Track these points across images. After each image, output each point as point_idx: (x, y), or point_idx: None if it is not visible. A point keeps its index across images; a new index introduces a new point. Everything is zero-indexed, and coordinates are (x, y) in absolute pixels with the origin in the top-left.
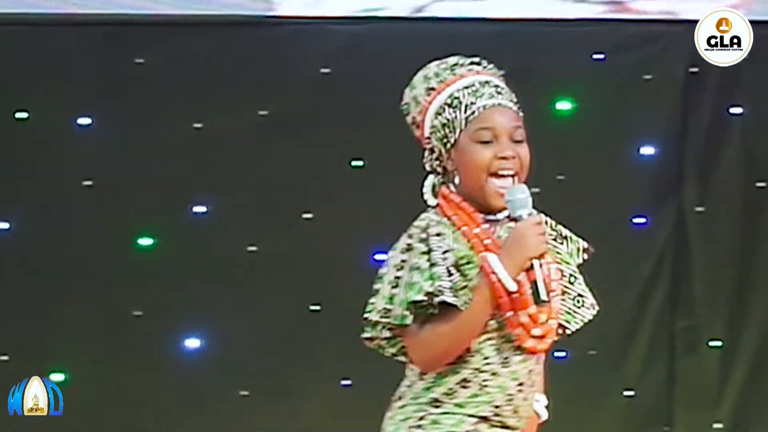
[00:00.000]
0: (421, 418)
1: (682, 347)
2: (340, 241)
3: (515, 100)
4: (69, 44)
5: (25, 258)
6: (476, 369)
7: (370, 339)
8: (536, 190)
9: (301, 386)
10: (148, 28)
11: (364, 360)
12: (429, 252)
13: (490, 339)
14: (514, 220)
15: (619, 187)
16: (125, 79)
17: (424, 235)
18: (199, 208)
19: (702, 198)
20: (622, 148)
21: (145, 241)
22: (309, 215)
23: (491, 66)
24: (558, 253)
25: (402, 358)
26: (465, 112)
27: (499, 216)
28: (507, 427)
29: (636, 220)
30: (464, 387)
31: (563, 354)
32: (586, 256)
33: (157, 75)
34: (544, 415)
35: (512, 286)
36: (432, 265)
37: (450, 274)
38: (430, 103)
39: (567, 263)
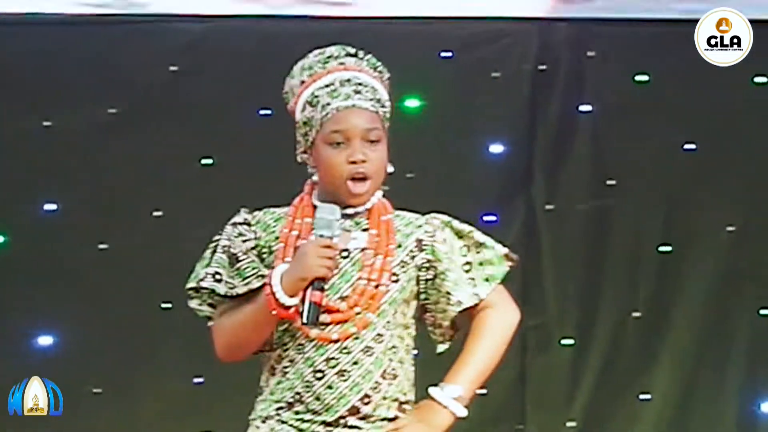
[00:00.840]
0: (252, 407)
1: (533, 345)
2: (190, 238)
3: (380, 97)
4: None
5: None
6: (279, 356)
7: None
8: (386, 188)
9: (154, 384)
10: None
11: (216, 357)
12: (217, 243)
13: (287, 327)
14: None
15: (469, 184)
16: None
17: (225, 228)
18: (50, 206)
19: (551, 196)
20: (470, 146)
21: None
22: (159, 213)
23: (368, 58)
24: (435, 251)
25: None
26: (321, 112)
27: (354, 210)
28: (315, 413)
29: (486, 218)
30: (272, 375)
31: (416, 352)
32: (510, 263)
33: (5, 72)
34: (458, 411)
35: (287, 301)
36: (212, 254)
37: (236, 262)
38: (299, 96)
39: (441, 261)
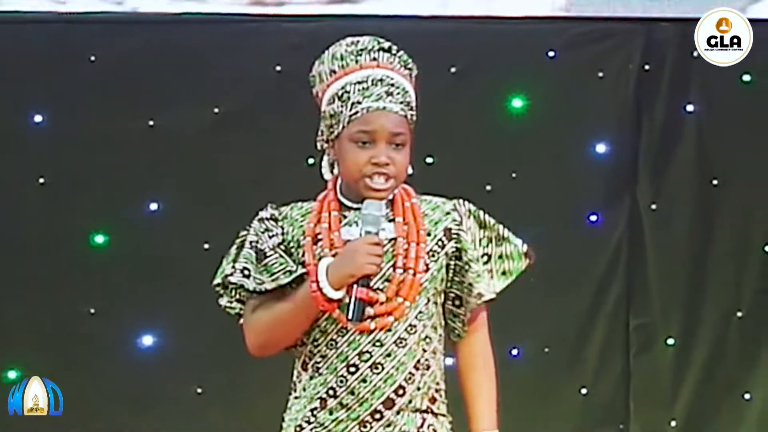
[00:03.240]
0: (288, 402)
1: (636, 345)
2: None
3: (410, 100)
4: (22, 42)
5: None
6: (309, 352)
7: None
8: (489, 188)
9: (256, 383)
10: (101, 25)
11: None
12: (244, 238)
13: (317, 322)
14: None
15: (574, 184)
16: (79, 76)
17: (251, 223)
18: (153, 206)
19: (656, 195)
20: (575, 146)
21: (100, 239)
22: None
23: (401, 54)
24: (462, 240)
25: None
26: (350, 109)
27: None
28: (349, 408)
29: (590, 218)
30: (304, 370)
31: (517, 352)
32: (528, 261)
33: (110, 72)
34: None
35: (333, 295)
36: (240, 249)
37: (264, 258)
38: (328, 86)
39: (466, 251)
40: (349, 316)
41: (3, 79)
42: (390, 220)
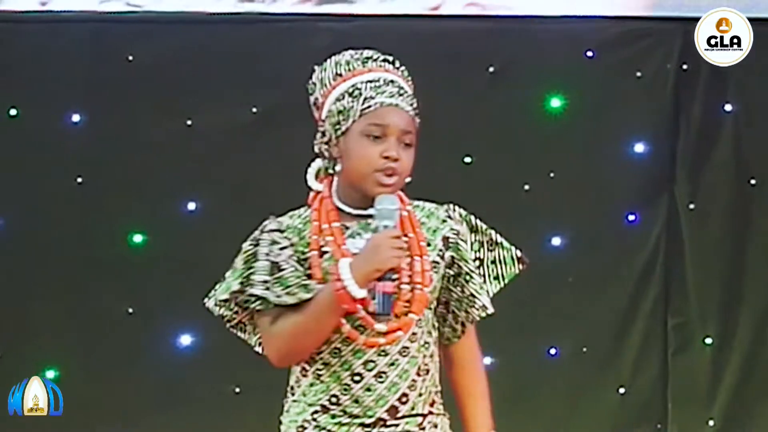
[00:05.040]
0: (285, 404)
1: (674, 344)
2: None
3: (416, 106)
4: (59, 41)
5: (17, 255)
6: (311, 359)
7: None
8: (527, 187)
9: None
10: (139, 25)
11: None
12: (254, 251)
13: None
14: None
15: (612, 184)
16: (116, 76)
17: (256, 235)
18: (191, 205)
19: (694, 195)
20: (614, 145)
21: (138, 238)
22: None
23: (403, 69)
24: (459, 249)
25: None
26: (362, 104)
27: (368, 212)
28: (353, 416)
29: (628, 217)
30: (304, 376)
31: (555, 351)
32: (521, 266)
33: (148, 72)
34: None
35: (358, 293)
36: (253, 262)
37: (279, 270)
38: (334, 87)
39: (466, 261)
40: (378, 311)
41: (41, 79)
42: None
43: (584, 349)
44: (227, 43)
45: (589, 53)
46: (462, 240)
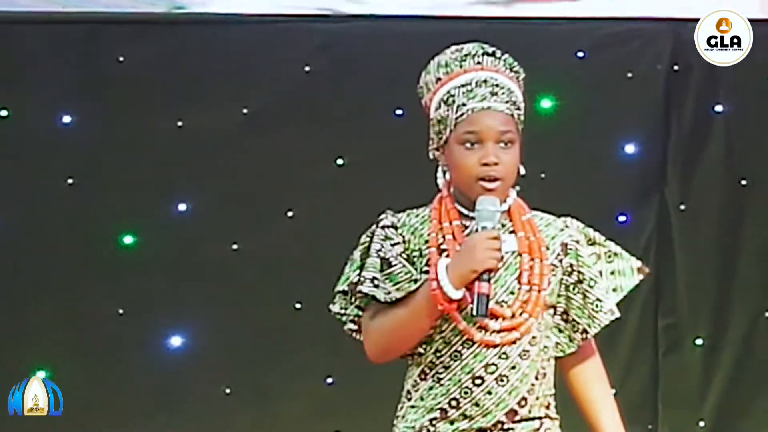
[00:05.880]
0: (400, 410)
1: (665, 345)
2: (322, 239)
3: (515, 99)
4: (51, 42)
5: (8, 256)
6: (430, 362)
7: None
8: (518, 188)
9: (285, 384)
10: (130, 26)
11: (347, 358)
12: (368, 245)
13: (441, 332)
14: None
15: (602, 184)
16: (107, 77)
17: (373, 229)
18: (182, 206)
19: (685, 196)
20: (604, 146)
21: (128, 239)
22: (291, 213)
23: (505, 58)
24: (579, 256)
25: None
26: (456, 112)
27: None
28: (471, 419)
29: (619, 218)
30: (423, 379)
31: None
32: (641, 276)
33: (139, 73)
34: None
35: (454, 294)
36: (365, 257)
37: (389, 267)
38: (434, 93)
39: (588, 267)
40: (474, 312)
41: (32, 80)
42: (510, 232)
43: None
44: (218, 45)
45: (580, 54)
46: (582, 247)
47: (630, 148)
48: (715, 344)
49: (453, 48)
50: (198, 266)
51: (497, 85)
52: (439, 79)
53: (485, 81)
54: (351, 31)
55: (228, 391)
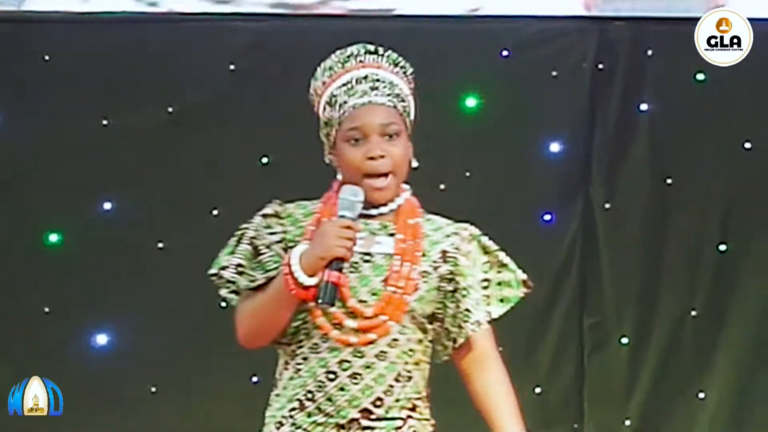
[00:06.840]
0: (269, 398)
1: (591, 344)
2: None
3: (398, 92)
4: None
5: None
6: (293, 351)
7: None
8: (443, 186)
9: (211, 383)
10: (56, 25)
11: (272, 357)
12: (244, 232)
13: (305, 323)
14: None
15: (527, 183)
16: (32, 75)
17: (254, 218)
18: (107, 205)
19: (610, 195)
20: (529, 145)
21: (54, 238)
22: (216, 212)
23: (389, 54)
24: (458, 264)
25: None
26: (339, 111)
27: (378, 211)
28: (327, 414)
29: (544, 217)
30: (286, 369)
31: None
32: (525, 289)
33: (65, 72)
34: None
35: (305, 280)
36: (238, 243)
37: (258, 254)
38: (321, 97)
39: (464, 276)
40: (319, 299)
41: None
42: (390, 234)
43: (500, 349)
44: (143, 43)
45: (505, 53)
46: (463, 256)
47: (555, 147)
48: (641, 343)
49: (337, 51)
50: (124, 265)
51: (378, 80)
52: (324, 83)
53: (365, 77)
54: (276, 29)
55: (154, 389)
